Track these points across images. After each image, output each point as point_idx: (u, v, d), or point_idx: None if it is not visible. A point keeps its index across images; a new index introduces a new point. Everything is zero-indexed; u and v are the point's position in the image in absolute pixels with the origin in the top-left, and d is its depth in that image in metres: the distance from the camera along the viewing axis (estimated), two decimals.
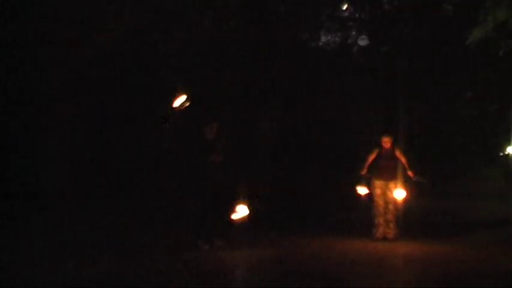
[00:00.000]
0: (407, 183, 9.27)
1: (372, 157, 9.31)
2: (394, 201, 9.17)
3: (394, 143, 9.40)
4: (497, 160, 22.68)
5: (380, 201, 9.17)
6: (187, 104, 7.59)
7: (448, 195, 15.61)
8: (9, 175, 11.91)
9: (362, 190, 9.20)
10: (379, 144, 9.34)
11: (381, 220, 9.13)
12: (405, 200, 9.19)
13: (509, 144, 20.21)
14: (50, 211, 10.32)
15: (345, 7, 15.83)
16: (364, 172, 9.20)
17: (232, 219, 7.77)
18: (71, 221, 9.47)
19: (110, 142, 13.01)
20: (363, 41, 16.09)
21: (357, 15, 16.10)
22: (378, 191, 9.19)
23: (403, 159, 9.26)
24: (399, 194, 9.07)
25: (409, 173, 9.07)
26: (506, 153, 21.04)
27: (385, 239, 8.98)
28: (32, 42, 11.89)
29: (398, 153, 9.29)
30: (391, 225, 9.17)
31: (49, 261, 6.35)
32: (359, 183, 9.17)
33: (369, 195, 9.30)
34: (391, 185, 9.21)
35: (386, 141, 9.23)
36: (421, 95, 16.27)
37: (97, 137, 13.06)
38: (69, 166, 12.72)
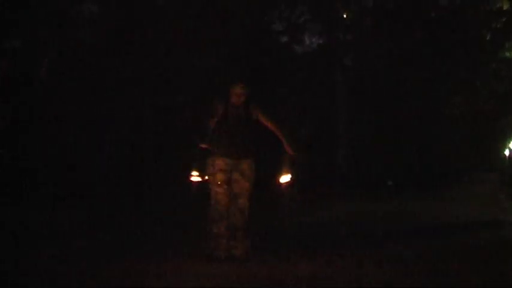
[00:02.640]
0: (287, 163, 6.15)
1: (213, 120, 5.89)
2: (246, 193, 5.88)
3: (252, 98, 5.95)
4: (493, 163, 22.57)
5: (222, 195, 5.85)
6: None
7: (427, 199, 14.42)
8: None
9: (196, 177, 6.02)
10: (225, 100, 5.91)
11: (221, 228, 5.84)
12: (290, 185, 6.21)
13: (505, 148, 20.08)
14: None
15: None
16: (207, 143, 5.85)
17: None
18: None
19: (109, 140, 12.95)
20: None
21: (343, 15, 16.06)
22: (219, 177, 5.83)
23: (270, 125, 5.98)
24: (283, 178, 6.16)
25: (286, 147, 5.97)
26: (502, 156, 20.89)
27: (231, 258, 5.83)
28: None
29: (259, 115, 5.94)
30: (239, 234, 5.86)
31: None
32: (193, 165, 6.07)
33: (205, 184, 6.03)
34: (244, 165, 5.88)
35: (239, 93, 5.83)
36: (415, 95, 16.17)
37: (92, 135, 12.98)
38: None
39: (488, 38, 15.99)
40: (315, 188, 12.96)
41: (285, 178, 6.14)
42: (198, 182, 6.06)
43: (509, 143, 19.58)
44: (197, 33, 12.52)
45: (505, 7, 15.36)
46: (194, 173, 6.03)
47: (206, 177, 5.97)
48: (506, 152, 20.22)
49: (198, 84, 12.52)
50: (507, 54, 15.94)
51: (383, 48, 15.65)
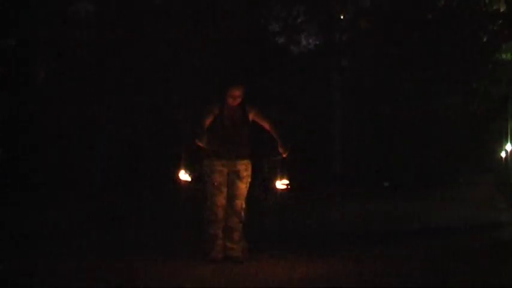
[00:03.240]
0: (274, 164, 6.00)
1: (208, 120, 5.76)
2: (242, 194, 5.83)
3: (248, 100, 5.86)
4: (489, 164, 22.56)
5: (218, 196, 5.77)
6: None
7: (424, 200, 14.16)
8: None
9: (184, 176, 5.82)
10: (221, 101, 5.81)
11: (218, 229, 5.78)
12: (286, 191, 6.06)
13: (501, 150, 20.09)
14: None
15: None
16: (204, 142, 5.57)
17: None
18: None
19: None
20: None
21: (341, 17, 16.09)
22: (216, 178, 5.77)
23: (267, 125, 5.87)
24: (279, 183, 6.01)
25: (280, 148, 5.82)
26: (499, 158, 20.90)
27: (228, 259, 5.78)
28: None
29: (255, 116, 5.87)
30: (236, 235, 5.81)
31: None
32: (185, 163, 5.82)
33: (200, 186, 5.95)
34: (240, 166, 5.82)
35: (236, 95, 5.74)
36: (412, 96, 16.21)
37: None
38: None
39: (484, 40, 16.05)
40: (313, 188, 12.97)
41: (281, 184, 5.98)
42: (186, 181, 5.89)
43: (506, 145, 19.58)
44: (197, 33, 12.53)
45: (502, 9, 15.43)
46: (182, 171, 5.85)
47: (192, 177, 5.86)
48: (503, 154, 20.20)
49: (197, 84, 12.52)
50: (503, 56, 16.01)
51: (381, 49, 15.68)
